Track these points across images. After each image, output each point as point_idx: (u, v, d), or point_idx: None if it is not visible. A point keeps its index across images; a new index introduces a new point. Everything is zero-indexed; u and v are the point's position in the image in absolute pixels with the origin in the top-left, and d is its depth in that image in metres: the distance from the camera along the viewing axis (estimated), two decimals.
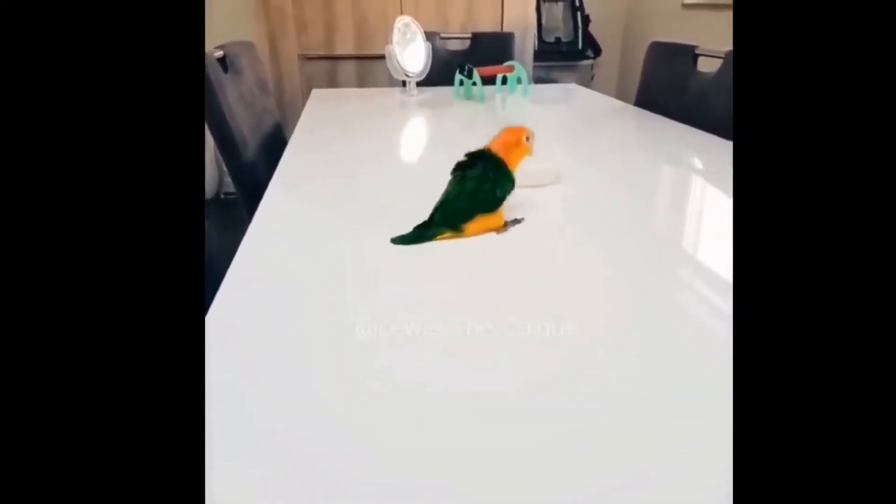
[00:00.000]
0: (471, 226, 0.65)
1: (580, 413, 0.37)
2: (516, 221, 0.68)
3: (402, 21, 1.55)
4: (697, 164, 1.03)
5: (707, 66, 1.36)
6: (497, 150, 0.66)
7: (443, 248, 0.63)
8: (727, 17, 2.50)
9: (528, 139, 0.67)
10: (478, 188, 0.64)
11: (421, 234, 0.64)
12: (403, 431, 0.35)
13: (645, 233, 0.68)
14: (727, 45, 1.30)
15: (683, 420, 0.37)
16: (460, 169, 0.67)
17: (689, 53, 1.40)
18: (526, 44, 2.38)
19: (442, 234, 0.64)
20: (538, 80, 2.62)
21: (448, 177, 0.66)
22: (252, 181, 1.14)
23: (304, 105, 1.52)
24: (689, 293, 0.55)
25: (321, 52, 2.24)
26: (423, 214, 0.64)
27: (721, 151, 1.05)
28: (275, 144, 1.36)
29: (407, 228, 0.63)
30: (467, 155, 0.67)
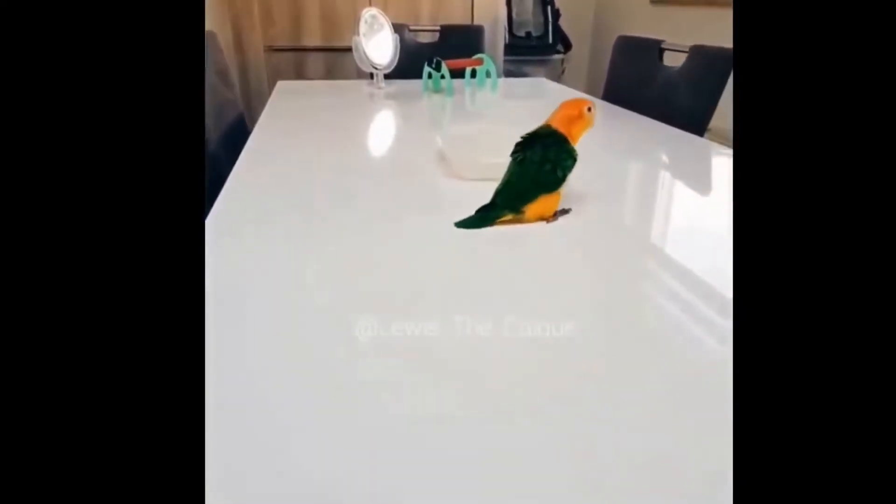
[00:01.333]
0: (532, 207, 0.64)
1: (579, 413, 0.37)
2: (565, 212, 0.68)
3: (368, 13, 1.53)
4: (663, 157, 1.04)
5: (672, 60, 1.37)
6: (558, 125, 0.65)
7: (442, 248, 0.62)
8: (695, 13, 2.54)
9: (589, 110, 0.66)
10: (539, 169, 0.64)
11: (484, 217, 0.64)
12: (402, 433, 0.35)
13: (613, 223, 0.68)
14: (694, 40, 1.32)
15: (683, 420, 0.37)
16: (520, 149, 0.66)
17: (654, 48, 1.42)
18: (496, 37, 2.37)
19: (504, 216, 0.64)
20: (509, 73, 2.62)
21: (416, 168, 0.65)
22: (214, 175, 1.10)
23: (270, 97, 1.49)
24: (662, 285, 0.55)
25: (288, 44, 2.19)
26: (389, 207, 0.63)
27: (683, 144, 1.06)
28: (238, 137, 1.32)
29: (376, 222, 0.62)
30: (527, 135, 0.66)
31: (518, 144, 0.67)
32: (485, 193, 0.66)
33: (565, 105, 0.67)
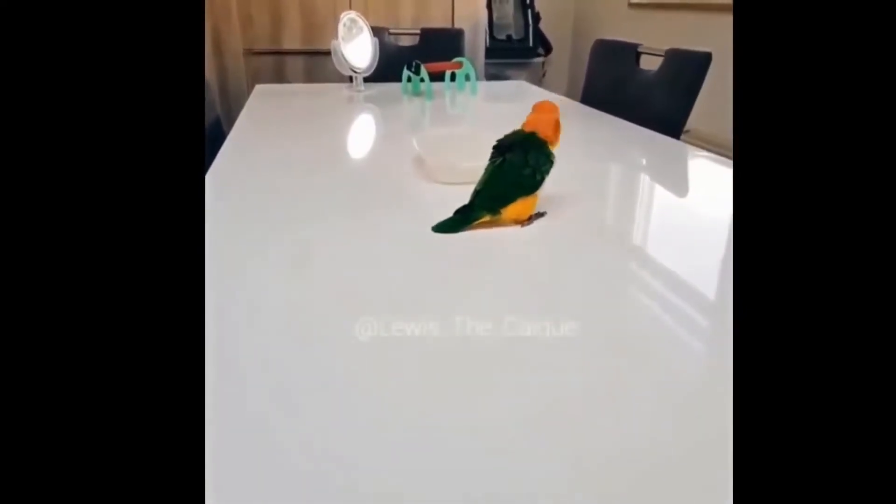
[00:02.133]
0: (509, 210, 0.64)
1: (579, 412, 0.37)
2: (540, 215, 0.68)
3: (347, 16, 1.52)
4: (638, 159, 1.05)
5: (649, 63, 1.39)
6: (537, 129, 0.66)
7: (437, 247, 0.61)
8: (671, 17, 2.57)
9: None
10: (519, 172, 0.64)
11: (462, 219, 0.64)
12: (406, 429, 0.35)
13: (589, 225, 0.69)
14: (670, 44, 1.33)
15: (683, 418, 0.37)
16: (500, 152, 0.66)
17: (631, 51, 1.43)
18: (477, 40, 2.38)
19: (481, 217, 0.64)
20: (490, 76, 2.63)
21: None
22: None
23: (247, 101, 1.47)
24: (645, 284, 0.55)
25: (267, 47, 2.18)
26: (361, 209, 0.62)
27: (659, 147, 1.07)
28: (214, 141, 1.31)
29: (357, 222, 0.61)
30: (506, 137, 0.66)
31: (497, 147, 0.67)
32: (459, 196, 0.66)
33: (540, 109, 0.68)
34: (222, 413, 0.36)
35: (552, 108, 0.67)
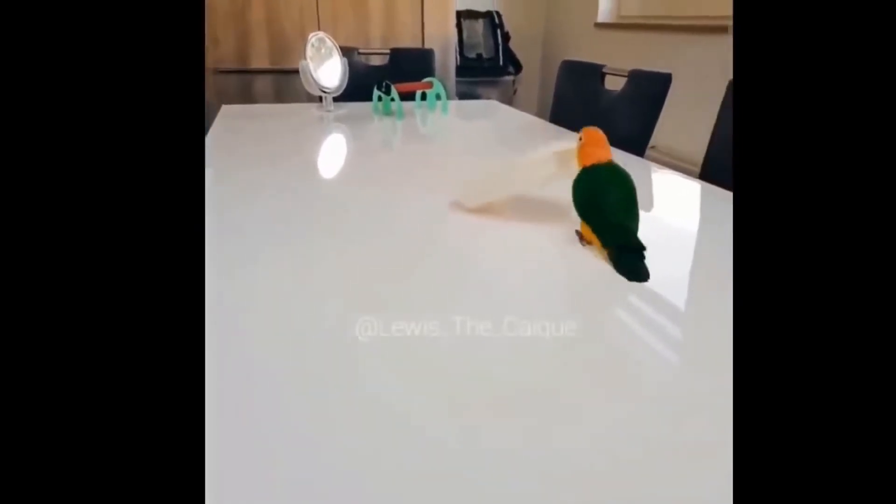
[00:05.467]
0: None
1: (578, 412, 0.38)
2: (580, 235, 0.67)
3: (315, 36, 1.52)
4: None
5: (613, 83, 1.42)
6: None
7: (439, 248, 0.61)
8: (634, 36, 2.65)
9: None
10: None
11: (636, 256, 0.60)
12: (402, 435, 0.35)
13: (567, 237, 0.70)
14: (634, 64, 1.37)
15: (681, 419, 0.38)
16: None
17: (596, 72, 1.46)
18: (447, 60, 2.41)
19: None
20: (462, 95, 2.66)
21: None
22: None
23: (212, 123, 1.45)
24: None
25: (235, 66, 2.16)
26: (334, 230, 0.61)
27: (621, 162, 1.09)
28: None
29: (327, 242, 0.61)
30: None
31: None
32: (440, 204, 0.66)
33: (592, 138, 0.68)
34: (222, 413, 0.36)
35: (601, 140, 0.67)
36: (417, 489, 0.32)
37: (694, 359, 0.46)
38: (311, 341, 0.46)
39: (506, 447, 0.35)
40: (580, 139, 0.68)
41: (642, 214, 0.66)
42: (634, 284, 0.57)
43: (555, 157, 0.71)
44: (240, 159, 1.11)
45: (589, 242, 0.65)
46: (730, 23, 1.94)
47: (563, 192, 0.67)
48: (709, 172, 1.06)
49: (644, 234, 0.62)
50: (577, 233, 0.67)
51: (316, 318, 0.51)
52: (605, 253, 0.62)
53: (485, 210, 0.74)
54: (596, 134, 0.68)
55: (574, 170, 0.67)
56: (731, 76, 1.32)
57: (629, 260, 0.59)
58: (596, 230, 0.63)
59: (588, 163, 0.66)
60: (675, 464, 0.34)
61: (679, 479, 0.33)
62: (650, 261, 0.59)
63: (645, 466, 0.34)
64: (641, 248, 0.60)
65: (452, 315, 0.48)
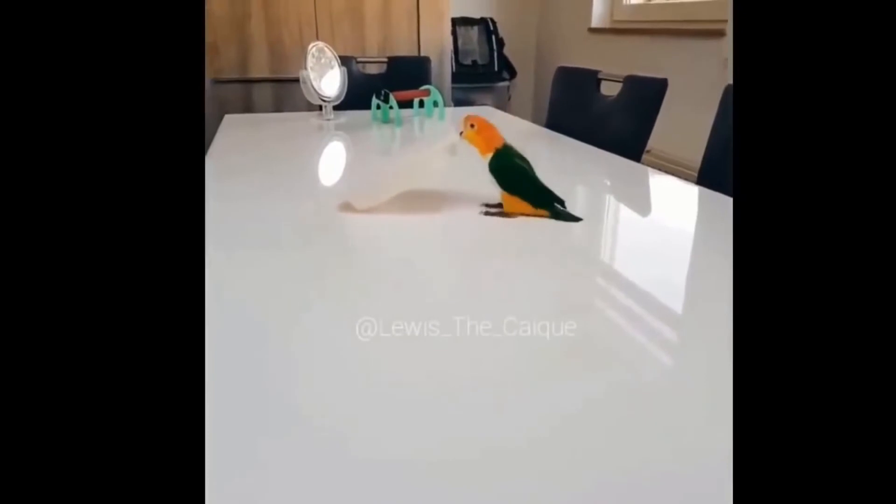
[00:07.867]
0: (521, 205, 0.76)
1: (578, 411, 0.39)
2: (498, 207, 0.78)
3: (315, 46, 1.55)
4: (602, 181, 1.10)
5: (609, 89, 1.45)
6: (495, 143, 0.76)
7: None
8: (628, 41, 2.68)
9: (472, 126, 0.76)
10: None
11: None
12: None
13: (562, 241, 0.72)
14: (628, 68, 1.40)
15: (682, 417, 0.38)
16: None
17: (592, 78, 1.49)
18: (443, 67, 2.43)
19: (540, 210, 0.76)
20: (457, 101, 2.69)
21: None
22: None
23: (217, 131, 1.47)
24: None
25: (235, 76, 2.18)
26: (333, 237, 0.63)
27: (622, 169, 1.12)
28: None
29: (326, 250, 0.63)
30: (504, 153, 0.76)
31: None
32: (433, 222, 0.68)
33: (484, 127, 0.76)
34: (222, 413, 0.37)
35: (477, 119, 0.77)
36: (418, 489, 0.32)
37: (691, 362, 0.47)
38: (312, 341, 0.48)
39: (506, 447, 0.35)
40: (471, 127, 0.76)
41: (640, 218, 0.69)
42: (625, 284, 0.59)
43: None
44: (245, 165, 1.13)
45: (512, 213, 0.75)
46: (724, 26, 1.97)
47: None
48: (706, 177, 1.08)
49: (642, 238, 0.64)
50: (493, 208, 0.77)
51: (316, 318, 0.52)
52: (538, 213, 0.75)
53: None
54: (484, 120, 0.77)
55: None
56: (726, 80, 1.34)
57: (564, 210, 0.76)
58: (528, 198, 0.76)
59: (494, 146, 0.76)
60: (676, 463, 0.35)
61: (679, 479, 0.33)
62: (649, 265, 0.62)
63: (645, 466, 0.34)
64: (563, 200, 0.77)
65: (453, 315, 0.49)
